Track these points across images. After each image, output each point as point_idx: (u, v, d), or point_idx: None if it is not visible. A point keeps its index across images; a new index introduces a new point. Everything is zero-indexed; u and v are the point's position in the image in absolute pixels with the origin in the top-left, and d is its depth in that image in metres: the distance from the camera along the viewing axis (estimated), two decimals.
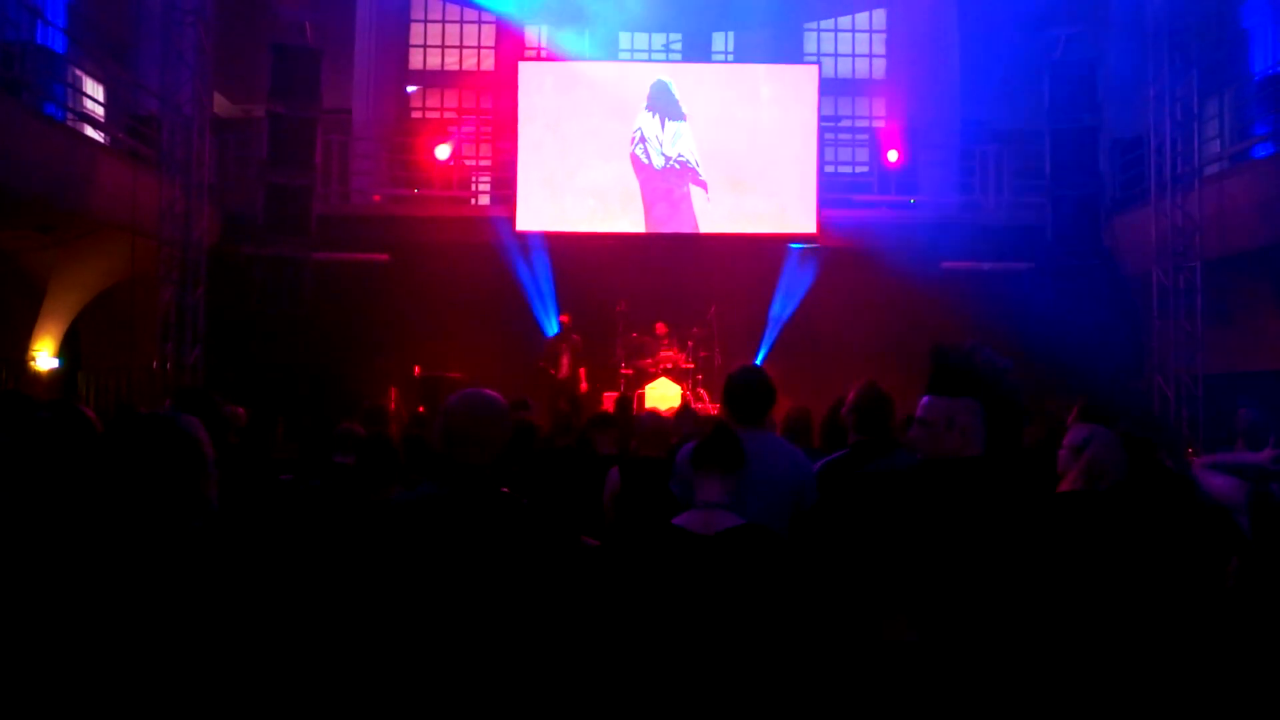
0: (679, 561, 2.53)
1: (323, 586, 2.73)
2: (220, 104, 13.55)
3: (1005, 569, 2.29)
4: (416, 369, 11.89)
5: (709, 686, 2.44)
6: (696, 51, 16.38)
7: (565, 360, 11.73)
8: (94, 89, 12.04)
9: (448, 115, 17.14)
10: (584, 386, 11.71)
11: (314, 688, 2.39)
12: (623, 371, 12.20)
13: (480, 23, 17.58)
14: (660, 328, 12.23)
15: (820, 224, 13.15)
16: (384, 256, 12.77)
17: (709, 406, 11.29)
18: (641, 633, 2.51)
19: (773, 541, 2.58)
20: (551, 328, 12.57)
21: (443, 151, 13.65)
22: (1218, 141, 11.37)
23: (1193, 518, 3.24)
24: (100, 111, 11.67)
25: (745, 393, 3.51)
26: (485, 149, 16.24)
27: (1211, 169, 10.89)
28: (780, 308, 12.95)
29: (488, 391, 2.50)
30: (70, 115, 10.61)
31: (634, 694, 2.49)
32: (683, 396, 11.65)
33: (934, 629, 2.23)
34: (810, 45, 17.35)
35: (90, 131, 10.89)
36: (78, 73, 11.68)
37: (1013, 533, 2.32)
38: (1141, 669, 2.66)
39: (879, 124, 16.66)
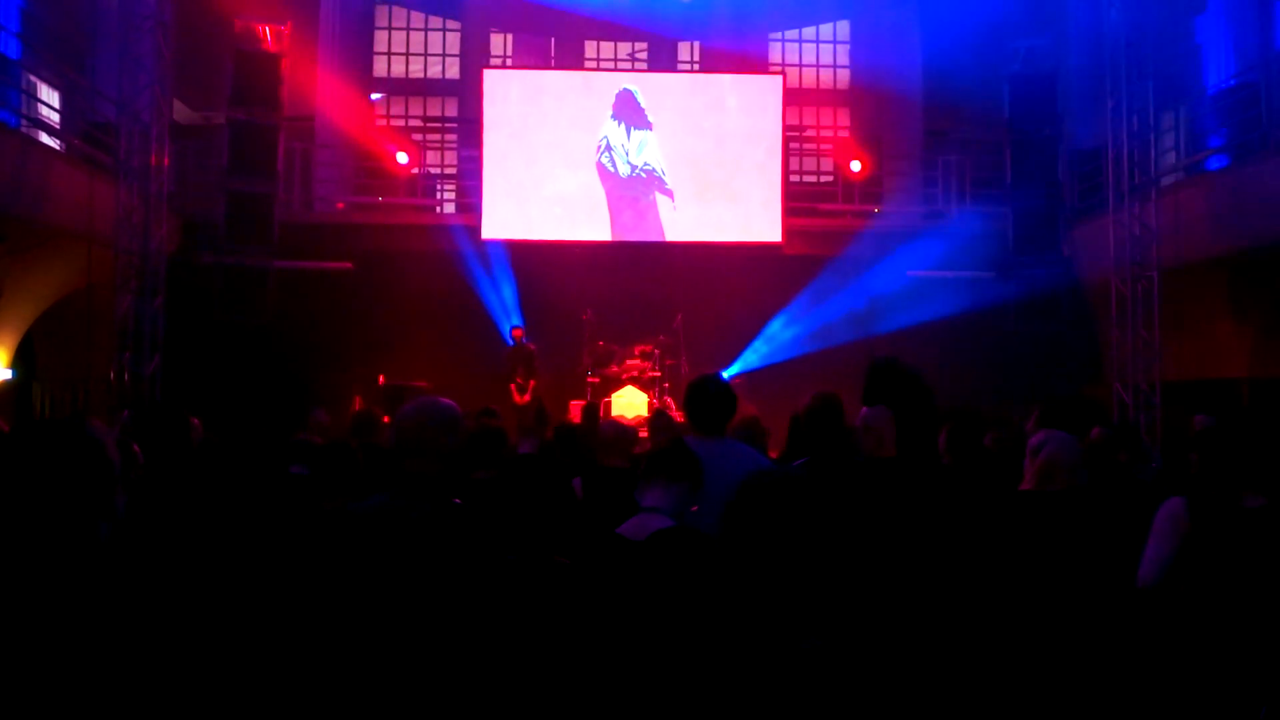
0: (611, 566, 2.53)
1: (270, 595, 2.69)
2: (180, 111, 13.36)
3: (936, 565, 2.42)
4: (380, 378, 11.78)
5: (641, 689, 2.43)
6: (662, 60, 16.44)
7: (519, 369, 11.72)
8: (49, 95, 11.83)
9: (412, 123, 17.05)
10: (526, 397, 11.65)
11: (255, 695, 2.36)
12: (589, 380, 12.17)
13: (445, 30, 17.51)
14: (637, 349, 12.22)
15: (785, 232, 13.22)
16: (348, 265, 12.65)
17: (675, 415, 11.28)
18: (579, 639, 2.51)
19: (700, 543, 2.56)
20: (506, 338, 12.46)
21: (402, 156, 13.61)
22: (1174, 153, 11.58)
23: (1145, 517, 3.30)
24: (56, 118, 11.47)
25: (706, 401, 3.50)
26: (450, 157, 16.17)
27: (1168, 180, 11.08)
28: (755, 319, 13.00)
29: (442, 400, 2.46)
30: (25, 122, 10.41)
31: (572, 696, 2.47)
32: (650, 404, 11.64)
33: (838, 631, 2.35)
34: (775, 55, 17.46)
35: (45, 138, 10.69)
36: (32, 79, 11.47)
37: (940, 531, 2.48)
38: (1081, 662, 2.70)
39: (843, 134, 16.80)
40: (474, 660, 2.22)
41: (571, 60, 16.48)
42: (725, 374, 11.27)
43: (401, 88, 17.53)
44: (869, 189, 14.36)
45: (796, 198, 14.06)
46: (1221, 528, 2.53)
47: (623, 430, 4.47)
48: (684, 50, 17.15)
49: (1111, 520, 3.16)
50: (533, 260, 12.87)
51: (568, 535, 3.60)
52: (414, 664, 2.21)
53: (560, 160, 13.28)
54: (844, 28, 17.67)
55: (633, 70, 16.37)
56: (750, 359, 12.82)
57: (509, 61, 16.91)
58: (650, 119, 13.35)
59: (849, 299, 12.27)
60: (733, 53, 16.13)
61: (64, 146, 10.96)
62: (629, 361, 12.19)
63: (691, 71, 16.41)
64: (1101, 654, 2.73)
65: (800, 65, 17.59)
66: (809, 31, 17.74)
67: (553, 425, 6.30)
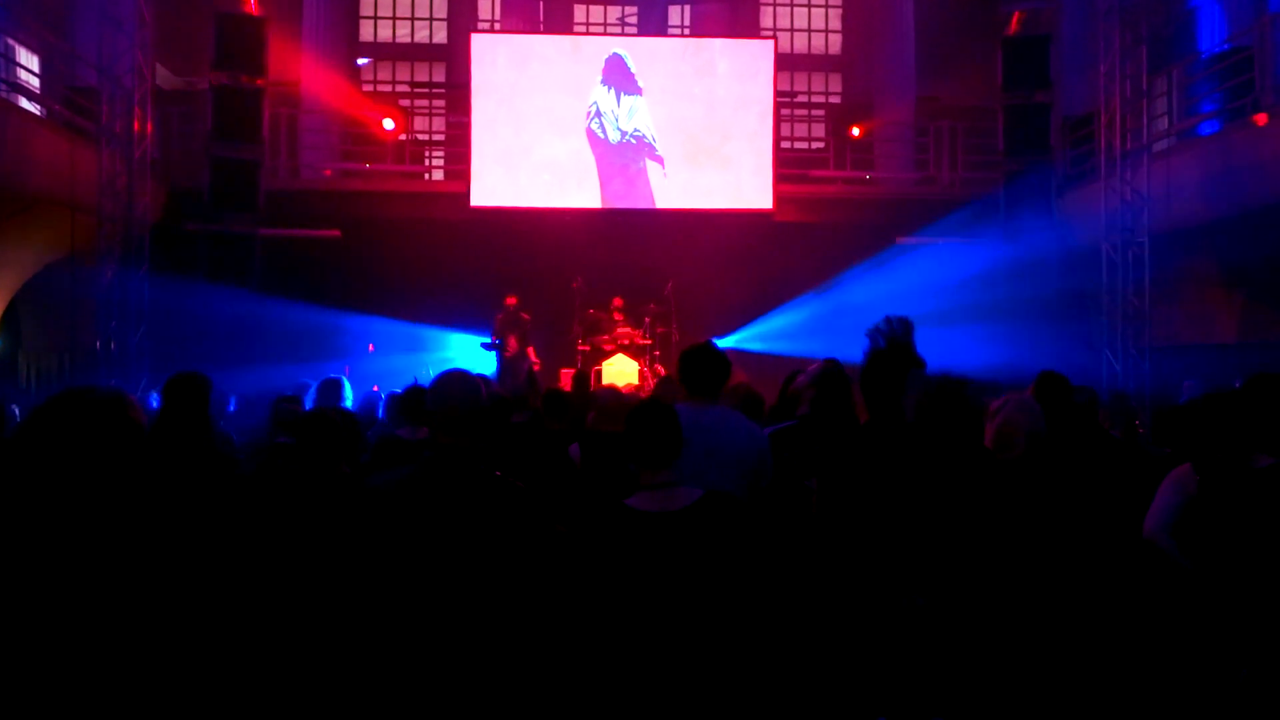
0: (639, 542, 2.40)
1: (298, 568, 2.68)
2: (163, 75, 13.15)
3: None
4: (370, 346, 11.73)
5: (684, 662, 2.35)
6: (652, 25, 16.22)
7: (512, 339, 11.64)
8: (28, 59, 11.62)
9: (400, 88, 16.84)
10: (537, 365, 11.59)
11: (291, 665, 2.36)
12: (579, 347, 12.13)
13: None
14: (616, 301, 12.16)
15: (776, 199, 13.14)
16: (335, 233, 12.53)
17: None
18: (611, 613, 2.41)
19: (736, 506, 2.48)
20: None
21: (387, 122, 13.46)
22: (1166, 119, 11.51)
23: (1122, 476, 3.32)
24: (35, 82, 11.27)
25: (700, 367, 3.49)
26: (438, 123, 15.99)
27: (1160, 145, 11.03)
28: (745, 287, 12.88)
29: (470, 372, 2.48)
30: (3, 86, 10.23)
31: (607, 672, 2.40)
32: (640, 372, 11.63)
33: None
34: (767, 20, 17.29)
35: (25, 103, 10.51)
36: (10, 42, 11.26)
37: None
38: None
39: (835, 100, 16.67)
40: (516, 636, 2.23)
41: (560, 24, 16.27)
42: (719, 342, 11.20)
43: (388, 52, 17.31)
44: (860, 155, 14.27)
45: (787, 164, 13.97)
46: (1229, 488, 2.53)
47: (621, 397, 4.45)
48: (674, 14, 16.95)
49: (1073, 485, 3.11)
50: (523, 227, 12.77)
51: (567, 503, 3.58)
52: (458, 641, 2.22)
53: (549, 126, 13.14)
54: None
55: (623, 35, 16.19)
56: (733, 323, 12.72)
57: (497, 25, 16.68)
58: (640, 84, 13.21)
59: (839, 265, 12.16)
60: (724, 17, 15.96)
61: (44, 112, 10.79)
62: (620, 329, 12.15)
63: (682, 36, 16.21)
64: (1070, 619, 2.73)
65: (792, 30, 17.42)
66: None
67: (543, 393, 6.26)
